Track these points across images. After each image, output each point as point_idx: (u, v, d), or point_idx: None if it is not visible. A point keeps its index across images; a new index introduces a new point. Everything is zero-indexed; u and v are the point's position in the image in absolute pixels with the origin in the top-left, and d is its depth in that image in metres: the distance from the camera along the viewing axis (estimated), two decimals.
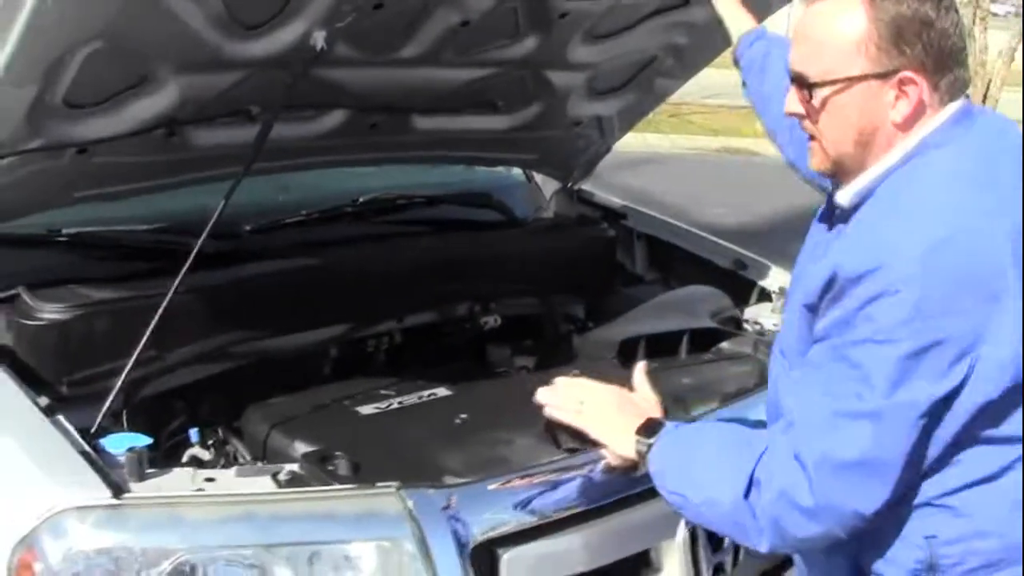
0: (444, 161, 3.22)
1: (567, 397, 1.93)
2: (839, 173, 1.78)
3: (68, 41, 2.01)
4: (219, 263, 2.64)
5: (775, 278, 3.08)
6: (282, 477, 1.99)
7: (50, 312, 2.35)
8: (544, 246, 3.20)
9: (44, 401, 2.09)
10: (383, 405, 2.49)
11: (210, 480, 1.98)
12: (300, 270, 2.70)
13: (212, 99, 2.39)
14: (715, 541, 2.24)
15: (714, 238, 3.27)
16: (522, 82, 2.89)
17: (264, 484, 1.98)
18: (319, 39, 2.30)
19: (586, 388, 1.95)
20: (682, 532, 2.17)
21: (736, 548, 2.28)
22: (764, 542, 1.71)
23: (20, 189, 2.36)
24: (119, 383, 2.18)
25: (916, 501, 1.70)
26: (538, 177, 3.59)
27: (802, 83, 1.74)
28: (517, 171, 3.57)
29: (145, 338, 2.22)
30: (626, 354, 2.65)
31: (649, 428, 1.86)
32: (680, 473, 1.80)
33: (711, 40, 2.99)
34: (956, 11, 1.71)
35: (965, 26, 1.65)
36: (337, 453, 2.06)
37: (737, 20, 2.50)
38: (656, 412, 1.91)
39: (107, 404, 2.12)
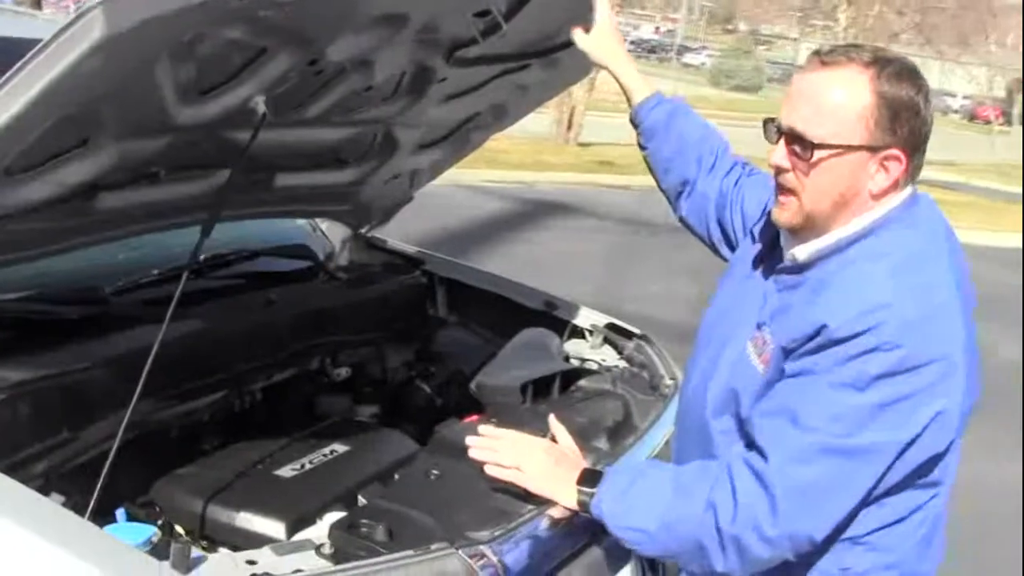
0: (280, 215, 3.20)
1: (505, 456, 1.94)
2: (803, 229, 1.93)
3: (53, 113, 1.88)
4: (89, 329, 2.52)
5: (585, 316, 3.34)
6: (326, 551, 1.98)
7: None
8: (368, 296, 3.27)
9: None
10: (297, 467, 2.49)
11: (251, 562, 1.93)
12: (186, 334, 2.61)
13: (134, 163, 2.29)
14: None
15: (518, 281, 3.47)
16: (372, 139, 2.97)
17: (309, 559, 1.97)
18: (260, 103, 2.28)
19: (521, 445, 1.97)
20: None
21: None
22: (723, 563, 1.85)
23: None
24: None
25: (840, 536, 1.88)
26: (323, 225, 3.63)
27: (798, 141, 1.88)
28: (301, 221, 3.59)
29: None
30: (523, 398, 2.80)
31: (587, 478, 1.94)
32: (636, 509, 1.89)
33: (530, 99, 3.23)
34: (932, 103, 1.94)
35: None
36: (363, 520, 2.07)
37: (635, 83, 2.52)
38: (583, 461, 2.00)
39: (95, 496, 1.99)
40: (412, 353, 3.31)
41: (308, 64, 2.30)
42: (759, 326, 1.95)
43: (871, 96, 1.84)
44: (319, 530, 2.19)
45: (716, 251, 2.45)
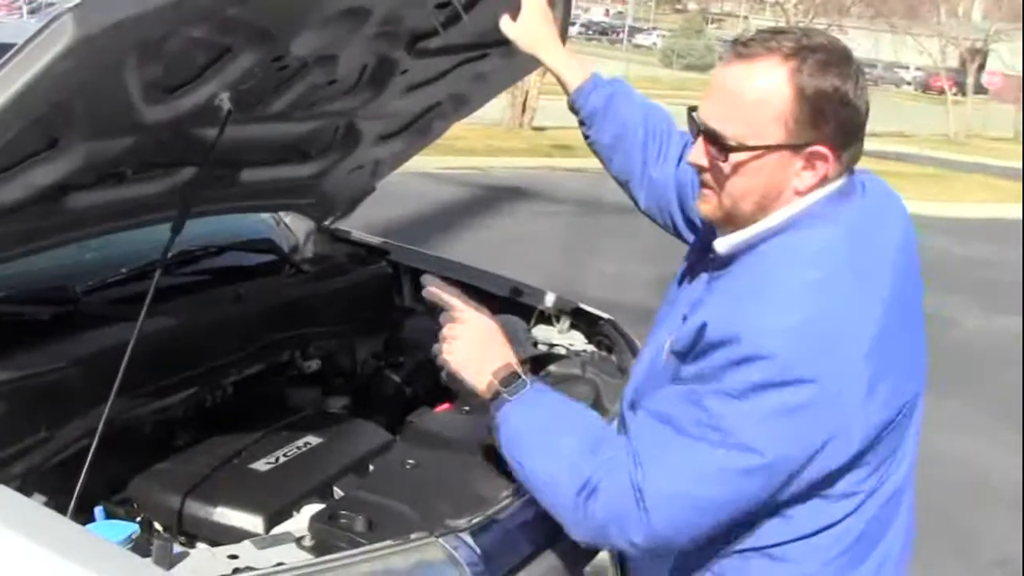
0: (246, 210, 3.21)
1: (449, 332, 2.05)
2: (727, 223, 1.86)
3: (26, 116, 1.88)
4: (61, 329, 2.52)
5: (551, 301, 3.37)
6: (307, 543, 2.01)
7: None
8: (335, 287, 3.29)
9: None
10: (272, 460, 2.51)
11: (233, 556, 1.96)
12: (157, 332, 2.61)
13: (102, 163, 2.30)
14: None
15: (482, 268, 3.50)
16: (335, 132, 2.98)
17: (291, 552, 1.99)
18: (225, 100, 2.29)
19: (465, 318, 2.07)
20: None
21: None
22: (581, 537, 1.88)
23: None
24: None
25: (740, 547, 1.84)
26: (286, 218, 3.64)
27: (715, 141, 1.78)
28: (265, 215, 3.60)
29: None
30: None
31: (508, 377, 1.97)
32: (531, 444, 1.91)
33: (489, 87, 3.25)
34: (867, 89, 1.81)
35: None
36: (343, 512, 2.09)
37: (570, 70, 2.43)
38: (512, 355, 2.04)
39: (76, 495, 2.00)
40: (381, 343, 3.33)
41: (272, 60, 2.31)
42: (684, 318, 1.87)
43: (790, 92, 1.72)
44: (298, 523, 2.21)
45: (681, 238, 2.38)
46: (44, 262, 2.56)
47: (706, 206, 1.88)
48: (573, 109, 2.46)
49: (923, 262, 1.94)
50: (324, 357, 3.13)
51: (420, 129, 3.29)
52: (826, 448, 1.71)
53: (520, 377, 1.97)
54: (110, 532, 1.95)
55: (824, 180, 1.79)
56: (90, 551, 1.77)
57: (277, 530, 2.20)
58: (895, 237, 1.89)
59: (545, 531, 2.21)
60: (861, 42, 35.25)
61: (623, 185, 2.49)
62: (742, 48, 1.78)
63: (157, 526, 2.31)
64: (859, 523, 1.84)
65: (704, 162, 1.83)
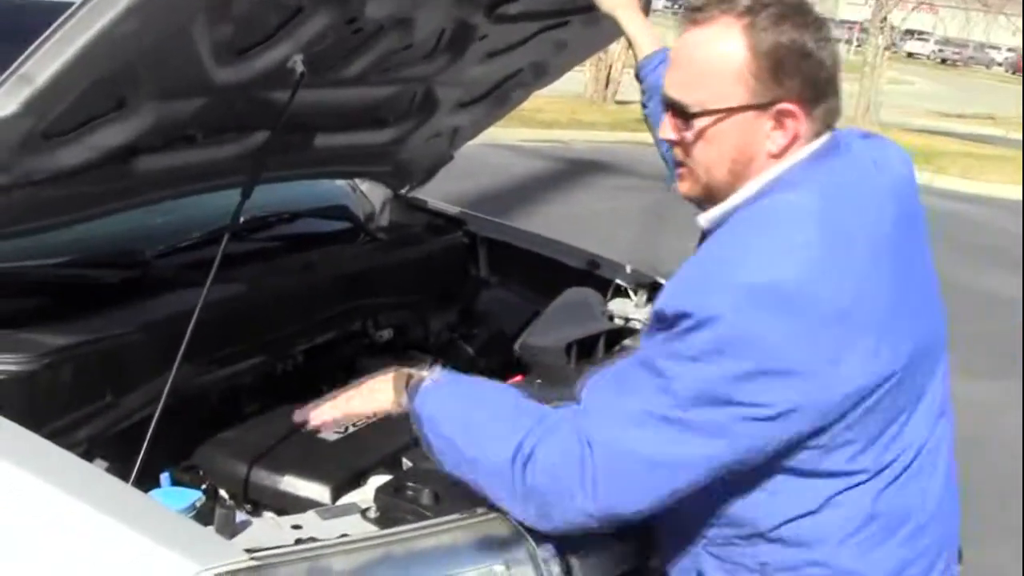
0: (320, 176, 3.18)
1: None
2: (708, 200, 1.80)
3: (92, 76, 1.85)
4: (129, 294, 2.51)
5: (628, 275, 3.30)
6: (372, 515, 1.96)
7: (11, 364, 2.12)
8: (411, 257, 3.24)
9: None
10: (340, 430, 2.47)
11: (297, 527, 1.92)
12: (226, 298, 2.59)
13: (170, 125, 2.27)
14: None
15: (560, 240, 3.43)
16: (412, 98, 2.93)
17: (355, 523, 1.95)
18: (298, 63, 2.25)
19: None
20: None
21: None
22: (520, 513, 1.78)
23: None
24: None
25: (744, 533, 1.78)
26: (363, 185, 3.60)
27: (678, 111, 1.74)
28: (341, 182, 3.56)
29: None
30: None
31: (408, 378, 1.96)
32: (456, 420, 1.84)
33: (570, 56, 3.18)
34: (832, 40, 1.74)
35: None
36: (409, 484, 2.05)
37: (644, 39, 2.49)
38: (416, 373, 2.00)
39: (139, 461, 1.98)
40: (454, 314, 3.28)
41: (346, 22, 2.26)
42: None
43: (746, 49, 1.67)
44: (364, 494, 2.17)
45: None
46: (114, 226, 2.54)
47: (684, 184, 1.83)
48: (638, 78, 2.48)
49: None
50: (396, 327, 3.08)
51: (499, 97, 3.23)
52: (781, 417, 1.63)
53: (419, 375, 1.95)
54: (173, 499, 1.92)
55: (796, 139, 1.72)
56: (150, 518, 1.73)
57: (343, 501, 2.16)
58: (884, 198, 1.78)
59: None
60: (951, 22, 34.35)
61: (666, 162, 2.38)
62: (696, 13, 1.73)
63: (223, 493, 2.29)
64: (865, 504, 1.74)
65: (673, 136, 1.78)
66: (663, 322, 1.67)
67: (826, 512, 1.74)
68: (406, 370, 2.02)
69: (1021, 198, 13.89)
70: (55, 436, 2.14)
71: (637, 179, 12.75)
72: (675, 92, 1.73)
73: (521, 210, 9.57)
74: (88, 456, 2.13)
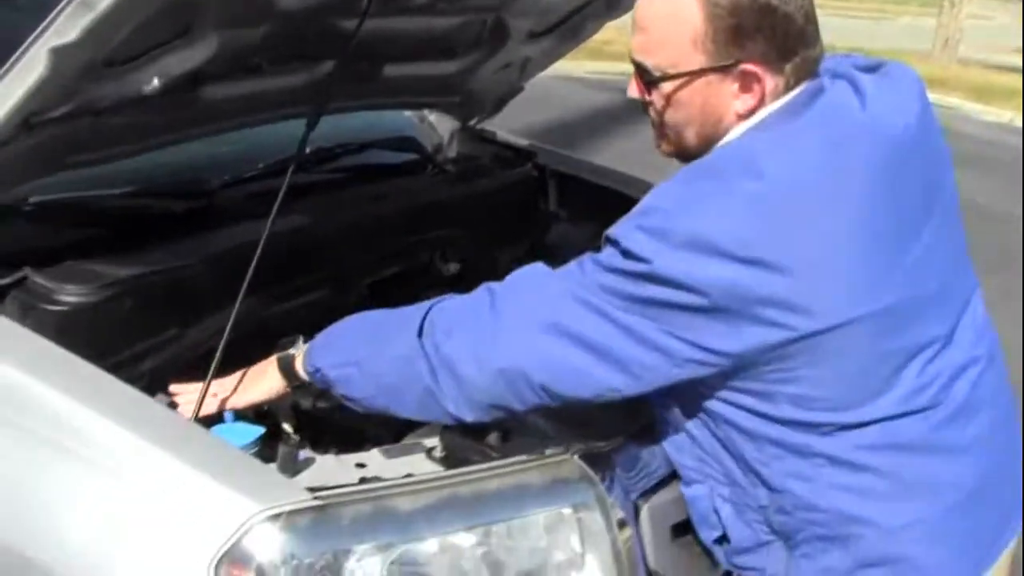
0: (387, 107, 3.12)
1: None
2: (685, 158, 1.77)
3: (157, 1, 1.80)
4: (194, 224, 2.47)
5: None
6: (437, 454, 1.93)
7: (74, 295, 2.11)
8: (480, 189, 3.18)
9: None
10: None
11: (361, 465, 1.89)
12: (292, 230, 2.54)
13: (235, 53, 2.21)
14: None
15: (627, 172, 3.34)
16: (482, 27, 2.85)
17: (420, 463, 1.92)
18: None
19: None
20: None
21: None
22: (448, 398, 1.76)
23: (19, 159, 2.09)
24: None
25: (737, 480, 1.79)
26: (431, 116, 3.53)
27: (643, 74, 1.72)
28: (409, 113, 3.49)
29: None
30: None
31: (296, 354, 1.99)
32: (355, 347, 1.88)
33: None
34: None
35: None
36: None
37: None
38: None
39: (201, 397, 1.95)
40: (523, 248, 3.22)
41: None
42: None
43: (701, 12, 1.62)
44: (429, 432, 2.13)
45: None
46: (178, 156, 2.50)
47: (661, 144, 1.83)
48: None
49: None
50: (464, 261, 3.03)
51: (571, 28, 3.12)
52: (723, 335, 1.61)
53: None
54: (236, 435, 1.90)
55: (765, 98, 1.68)
56: (210, 455, 1.70)
57: (408, 440, 2.12)
58: (863, 140, 1.66)
59: None
60: None
61: None
62: None
63: (287, 428, 2.27)
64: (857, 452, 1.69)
65: (638, 95, 1.77)
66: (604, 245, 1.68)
67: (818, 459, 1.70)
68: (271, 358, 2.06)
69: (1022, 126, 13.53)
70: (117, 368, 2.13)
71: None
72: (639, 56, 1.72)
73: (589, 143, 9.42)
74: (150, 389, 2.11)
